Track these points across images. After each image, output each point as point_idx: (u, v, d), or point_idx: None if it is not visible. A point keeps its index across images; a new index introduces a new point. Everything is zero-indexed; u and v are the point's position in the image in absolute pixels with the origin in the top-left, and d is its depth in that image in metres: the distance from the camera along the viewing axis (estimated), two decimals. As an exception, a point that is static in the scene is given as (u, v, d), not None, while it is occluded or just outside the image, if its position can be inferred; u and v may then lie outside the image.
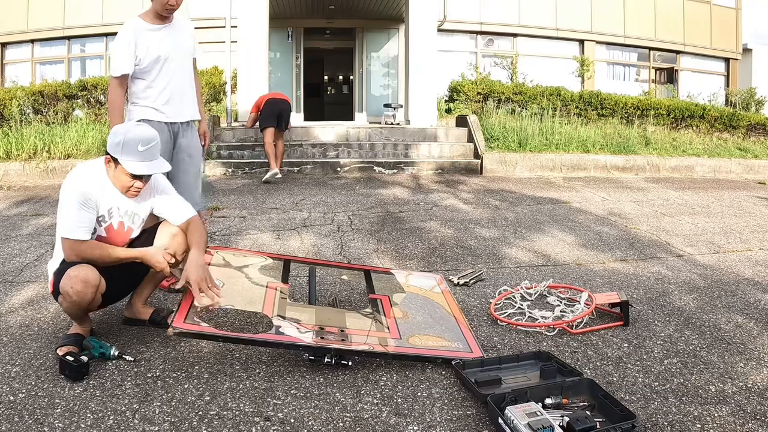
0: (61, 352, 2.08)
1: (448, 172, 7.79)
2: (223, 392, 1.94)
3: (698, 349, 2.38)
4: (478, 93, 10.16)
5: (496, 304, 2.81)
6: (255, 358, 2.19)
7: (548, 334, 2.49)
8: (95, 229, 2.20)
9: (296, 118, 9.68)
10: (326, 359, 2.08)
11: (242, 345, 2.25)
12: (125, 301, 2.50)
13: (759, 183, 8.15)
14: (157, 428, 1.72)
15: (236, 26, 8.89)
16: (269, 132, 6.75)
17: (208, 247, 2.50)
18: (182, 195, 2.47)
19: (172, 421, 1.76)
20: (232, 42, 8.86)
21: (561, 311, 2.69)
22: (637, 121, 9.81)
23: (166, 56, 2.84)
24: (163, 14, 2.82)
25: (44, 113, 8.51)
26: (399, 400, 1.92)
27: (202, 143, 3.25)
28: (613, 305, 2.67)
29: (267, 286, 2.47)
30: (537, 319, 2.62)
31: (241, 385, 1.99)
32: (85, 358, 2.03)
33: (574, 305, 2.76)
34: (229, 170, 7.41)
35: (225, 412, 1.82)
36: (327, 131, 8.47)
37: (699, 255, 3.93)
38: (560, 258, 3.78)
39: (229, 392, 1.94)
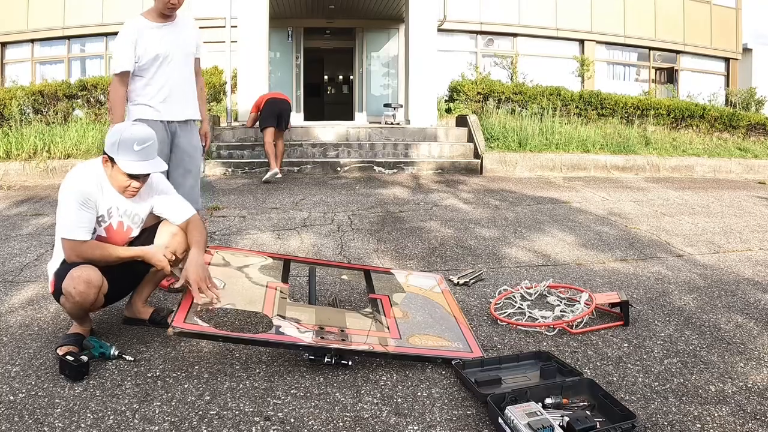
0: (61, 351, 2.08)
1: (448, 171, 7.79)
2: (223, 392, 1.94)
3: (698, 349, 2.38)
4: (478, 93, 10.16)
5: (496, 304, 2.81)
6: (255, 358, 2.19)
7: (548, 334, 2.49)
8: (95, 229, 2.20)
9: (296, 118, 9.68)
10: (326, 359, 2.08)
11: (242, 345, 2.25)
12: (125, 301, 2.50)
13: (759, 183, 8.15)
14: (157, 428, 1.72)
15: (236, 26, 8.89)
16: (269, 132, 6.75)
17: (208, 246, 2.50)
18: (181, 194, 2.47)
19: (172, 420, 1.76)
20: (232, 42, 8.86)
21: (561, 311, 2.69)
22: (637, 121, 9.81)
23: (165, 54, 2.84)
24: (165, 13, 2.82)
25: (44, 113, 8.51)
26: (399, 399, 1.92)
27: (203, 144, 3.24)
28: (613, 305, 2.67)
29: (267, 286, 2.47)
30: (537, 319, 2.62)
31: (241, 385, 1.99)
32: (85, 358, 2.03)
33: (574, 305, 2.76)
34: (229, 170, 7.41)
35: (225, 412, 1.82)
36: (327, 131, 8.47)
37: (699, 255, 3.93)
38: (560, 258, 3.78)
39: (229, 392, 1.94)
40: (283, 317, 2.24)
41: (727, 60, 15.35)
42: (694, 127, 10.20)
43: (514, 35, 13.40)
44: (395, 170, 7.69)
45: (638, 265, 3.65)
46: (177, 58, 2.89)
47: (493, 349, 2.34)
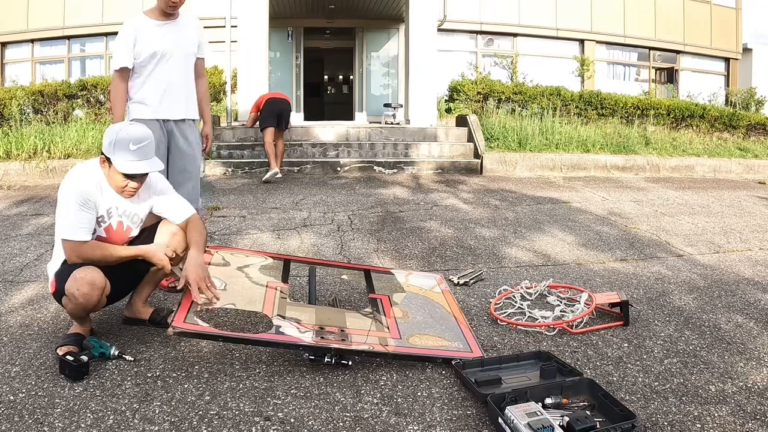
0: (61, 351, 2.08)
1: (448, 171, 7.79)
2: (223, 392, 1.94)
3: (698, 349, 2.38)
4: (478, 93, 10.16)
5: (496, 304, 2.81)
6: (255, 358, 2.19)
7: (548, 333, 2.49)
8: (95, 229, 2.20)
9: (296, 118, 9.68)
10: (326, 359, 2.08)
11: (242, 345, 2.25)
12: (125, 301, 2.50)
13: (759, 183, 8.15)
14: (157, 428, 1.72)
15: (236, 26, 8.89)
16: (269, 132, 6.75)
17: (207, 246, 2.49)
18: (180, 194, 2.47)
19: (172, 420, 1.76)
20: (232, 42, 8.86)
21: (561, 311, 2.69)
22: (637, 120, 9.81)
23: (163, 52, 2.83)
24: (167, 11, 2.82)
25: (44, 113, 8.50)
26: (399, 399, 1.92)
27: (204, 145, 3.24)
28: (613, 305, 2.67)
29: (267, 286, 2.47)
30: (537, 319, 2.62)
31: (241, 385, 1.99)
32: (85, 358, 2.03)
33: (574, 305, 2.76)
34: (229, 170, 7.41)
35: (225, 412, 1.82)
36: (327, 131, 8.47)
37: (699, 255, 3.93)
38: (560, 258, 3.78)
39: (229, 392, 1.94)
40: (283, 317, 2.24)
41: (727, 60, 15.35)
42: (694, 127, 10.20)
43: (514, 35, 13.40)
44: (395, 170, 7.69)
45: (638, 265, 3.65)
46: (176, 56, 2.88)
47: (493, 349, 2.34)
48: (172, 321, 1.98)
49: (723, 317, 2.75)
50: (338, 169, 7.59)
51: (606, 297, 2.68)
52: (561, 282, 3.21)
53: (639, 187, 7.11)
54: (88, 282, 2.03)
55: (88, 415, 1.78)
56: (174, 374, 2.05)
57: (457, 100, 10.39)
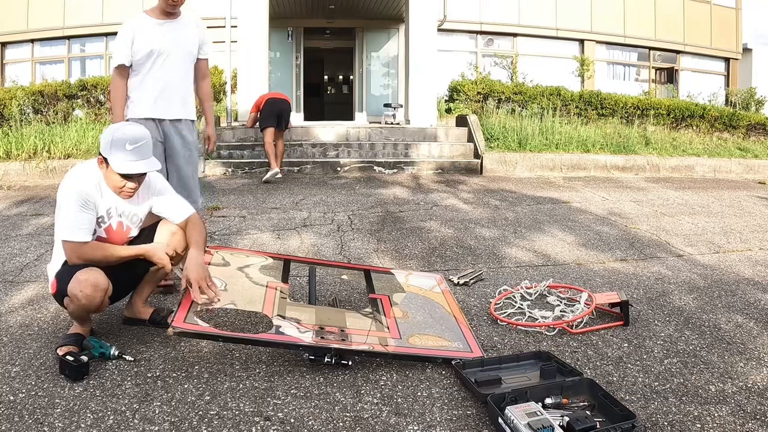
0: (61, 351, 2.08)
1: (448, 171, 7.79)
2: (223, 392, 1.94)
3: (698, 349, 2.38)
4: (478, 93, 10.16)
5: (496, 304, 2.81)
6: (255, 358, 2.19)
7: (548, 334, 2.49)
8: (95, 230, 2.20)
9: (296, 118, 9.68)
10: (326, 359, 2.08)
11: (242, 345, 2.25)
12: (125, 301, 2.50)
13: (759, 183, 8.15)
14: (157, 428, 1.72)
15: (236, 26, 8.89)
16: (269, 132, 6.75)
17: (207, 246, 2.49)
18: (178, 193, 2.47)
19: (172, 420, 1.76)
20: (232, 42, 8.86)
21: (561, 311, 2.69)
22: (637, 120, 9.81)
23: (160, 51, 2.82)
24: (167, 10, 2.82)
25: (44, 113, 8.50)
26: (399, 399, 1.92)
27: (207, 146, 3.23)
28: (613, 305, 2.67)
29: (267, 286, 2.47)
30: (537, 319, 2.62)
31: (241, 385, 1.99)
32: (85, 358, 2.03)
33: (574, 305, 2.76)
34: (229, 170, 7.41)
35: (225, 412, 1.82)
36: (327, 131, 8.47)
37: (699, 255, 3.93)
38: (560, 258, 3.78)
39: (229, 392, 1.94)
40: (283, 317, 2.24)
41: (727, 60, 15.35)
42: (694, 127, 10.20)
43: (514, 35, 13.40)
44: (395, 170, 7.69)
45: (638, 265, 3.65)
46: (175, 55, 2.87)
47: (493, 349, 2.34)
48: (172, 321, 1.98)
49: (723, 317, 2.75)
50: (338, 169, 7.59)
51: (606, 297, 2.68)
52: (561, 282, 3.21)
53: (639, 187, 7.11)
54: (91, 284, 2.03)
55: (88, 415, 1.78)
56: (174, 374, 2.05)
57: (457, 100, 10.39)
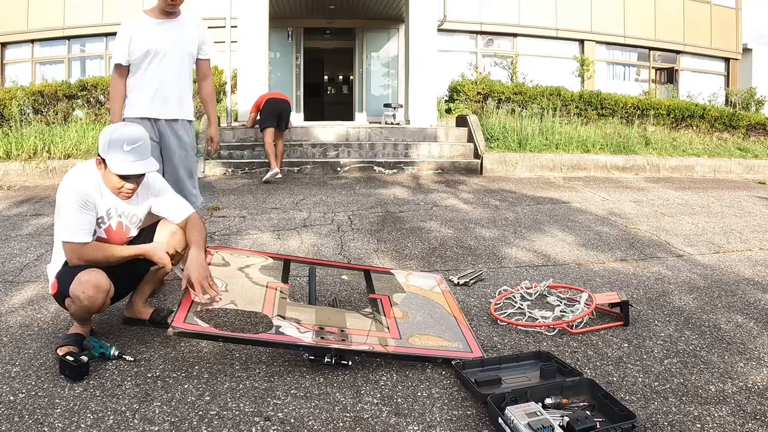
0: (61, 352, 2.08)
1: (448, 172, 7.79)
2: (223, 392, 1.94)
3: (698, 349, 2.38)
4: (478, 93, 10.16)
5: (496, 304, 2.81)
6: (255, 358, 2.19)
7: (548, 334, 2.49)
8: (95, 230, 2.20)
9: (296, 118, 9.68)
10: (326, 359, 2.08)
11: (242, 345, 2.25)
12: (125, 301, 2.50)
13: (759, 183, 8.15)
14: (157, 428, 1.72)
15: (236, 26, 8.89)
16: (269, 132, 6.75)
17: (207, 247, 2.49)
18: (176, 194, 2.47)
19: (172, 421, 1.76)
20: (232, 42, 8.86)
21: (561, 311, 2.69)
22: (637, 121, 9.82)
23: (157, 50, 2.81)
24: (166, 9, 2.82)
25: (44, 113, 8.50)
26: (399, 400, 1.92)
27: (210, 147, 3.23)
28: (613, 305, 2.67)
29: (267, 286, 2.47)
30: (537, 319, 2.62)
31: (241, 385, 1.99)
32: (85, 358, 2.03)
33: (574, 305, 2.76)
34: (229, 170, 7.41)
35: (225, 412, 1.82)
36: (327, 131, 8.47)
37: (699, 255, 3.93)
38: (560, 258, 3.78)
39: (229, 392, 1.94)
40: (283, 317, 2.24)
41: (727, 60, 15.36)
42: (694, 127, 10.20)
43: (514, 35, 13.40)
44: (395, 170, 7.69)
45: (638, 265, 3.65)
46: (172, 55, 2.86)
47: (493, 349, 2.34)
48: (172, 321, 1.98)
49: (723, 317, 2.75)
50: (338, 169, 7.59)
51: (606, 297, 2.68)
52: (561, 282, 3.21)
53: (639, 187, 7.11)
54: (93, 285, 2.03)
55: (88, 415, 1.78)
56: (174, 374, 2.05)
57: (457, 100, 10.39)
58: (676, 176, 8.37)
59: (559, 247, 4.05)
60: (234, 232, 4.32)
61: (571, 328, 2.52)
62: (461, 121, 8.89)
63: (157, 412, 1.81)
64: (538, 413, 1.66)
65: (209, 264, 2.38)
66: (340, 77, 16.55)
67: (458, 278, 3.20)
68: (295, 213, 5.02)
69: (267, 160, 6.92)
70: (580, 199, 6.01)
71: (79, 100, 8.81)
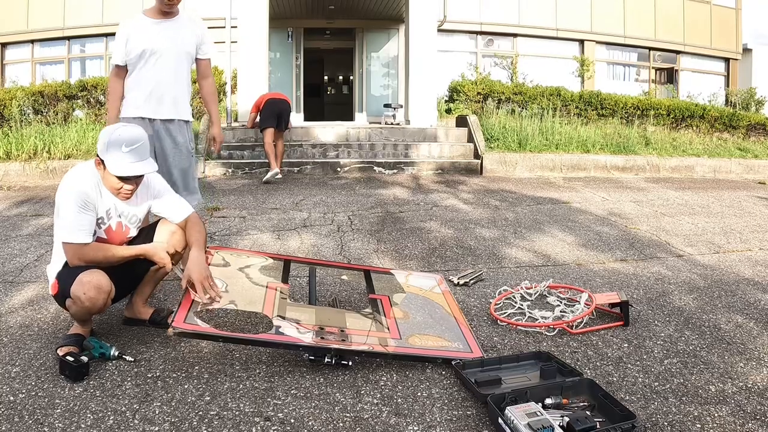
0: (61, 352, 2.07)
1: (448, 172, 7.79)
2: (223, 392, 1.94)
3: (698, 349, 2.38)
4: (478, 93, 10.16)
5: (496, 304, 2.81)
6: (255, 358, 2.19)
7: (548, 334, 2.49)
8: (95, 231, 2.20)
9: (296, 119, 9.68)
10: (326, 359, 2.08)
11: (242, 345, 2.25)
12: (125, 301, 2.50)
13: (759, 183, 8.15)
14: (157, 428, 1.72)
15: (236, 26, 8.90)
16: (269, 132, 6.76)
17: (208, 247, 2.49)
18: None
19: (172, 421, 1.76)
20: (232, 42, 8.86)
21: (561, 311, 2.69)
22: (637, 121, 9.82)
23: (153, 50, 2.81)
24: (163, 9, 2.82)
25: (44, 113, 8.51)
26: (399, 400, 1.92)
27: (212, 147, 3.22)
28: (613, 305, 2.67)
29: (267, 287, 2.47)
30: (537, 319, 2.62)
31: (241, 386, 1.99)
32: (85, 359, 2.03)
33: (574, 305, 2.76)
34: (229, 170, 7.42)
35: (225, 413, 1.82)
36: (327, 131, 8.48)
37: (699, 255, 3.93)
38: (560, 258, 3.78)
39: (229, 392, 1.94)
40: (283, 317, 2.24)
41: (727, 60, 15.36)
42: (694, 128, 10.21)
43: (514, 35, 13.41)
44: (395, 170, 7.69)
45: (638, 265, 3.65)
46: (168, 55, 2.85)
47: (493, 350, 2.34)
48: (172, 321, 1.98)
49: (723, 317, 2.75)
50: (338, 169, 7.59)
51: (606, 297, 2.68)
52: (561, 282, 3.21)
53: (639, 187, 7.11)
54: (94, 286, 2.03)
55: (88, 415, 1.78)
56: (174, 375, 2.05)
57: (457, 100, 10.39)
58: (676, 176, 8.37)
59: (559, 247, 4.05)
60: (234, 232, 4.32)
61: (571, 329, 2.52)
62: (461, 122, 8.89)
63: (157, 412, 1.81)
64: (538, 413, 1.66)
65: (209, 264, 2.39)
66: (340, 77, 16.55)
67: (458, 278, 3.21)
68: (295, 213, 5.02)
69: (267, 161, 6.92)
70: (580, 200, 6.01)
71: (79, 101, 8.81)
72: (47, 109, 8.55)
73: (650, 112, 9.95)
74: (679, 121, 10.21)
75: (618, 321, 2.62)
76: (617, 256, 3.87)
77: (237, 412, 1.82)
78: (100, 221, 2.20)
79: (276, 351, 2.21)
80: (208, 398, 1.90)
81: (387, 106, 10.16)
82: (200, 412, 1.81)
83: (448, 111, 10.24)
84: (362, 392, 1.96)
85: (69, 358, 2.01)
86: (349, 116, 12.94)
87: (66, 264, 2.15)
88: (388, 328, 2.33)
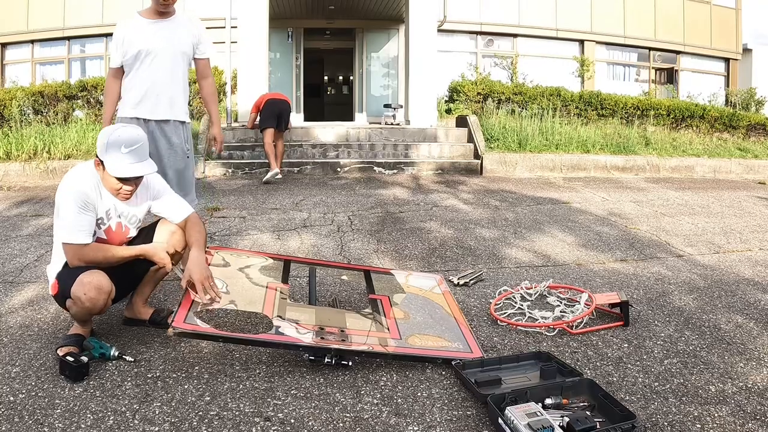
0: (61, 352, 2.07)
1: (448, 172, 7.79)
2: (223, 392, 1.94)
3: (698, 349, 2.38)
4: (478, 93, 10.16)
5: (496, 305, 2.81)
6: (255, 358, 2.19)
7: (548, 334, 2.49)
8: (95, 231, 2.20)
9: (296, 119, 9.69)
10: (326, 359, 2.08)
11: (242, 345, 2.25)
12: (125, 302, 2.50)
13: (759, 183, 8.15)
14: (157, 428, 1.72)
15: (236, 26, 8.90)
16: (269, 132, 6.76)
17: (207, 247, 2.49)
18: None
19: (172, 421, 1.76)
20: (232, 42, 8.86)
21: (561, 311, 2.69)
22: (637, 121, 9.82)
23: (149, 51, 2.80)
24: (159, 9, 2.82)
25: (44, 114, 8.51)
26: (399, 400, 1.92)
27: (213, 147, 3.22)
28: (613, 305, 2.67)
29: (267, 287, 2.47)
30: (537, 320, 2.62)
31: (241, 386, 1.99)
32: (85, 359, 2.03)
33: (574, 305, 2.76)
34: (229, 171, 7.42)
35: (225, 413, 1.82)
36: (327, 131, 8.48)
37: (699, 255, 3.93)
38: (560, 258, 3.78)
39: (229, 392, 1.94)
40: (283, 318, 2.24)
41: (727, 60, 15.36)
42: (694, 128, 10.21)
43: (514, 36, 13.41)
44: (395, 171, 7.69)
45: (638, 265, 3.65)
46: (164, 55, 2.85)
47: (493, 350, 2.34)
48: (172, 321, 1.98)
49: (723, 317, 2.75)
50: (338, 169, 7.59)
51: (606, 297, 2.68)
52: (561, 282, 3.21)
53: (639, 187, 7.12)
54: (95, 287, 2.03)
55: (88, 415, 1.78)
56: (174, 375, 2.05)
57: (457, 100, 10.39)
58: (676, 176, 8.37)
59: (559, 247, 4.05)
60: (234, 232, 4.32)
61: (571, 329, 2.52)
62: (461, 122, 8.89)
63: (157, 412, 1.81)
64: (538, 413, 1.66)
65: (209, 264, 2.39)
66: (340, 78, 16.55)
67: (458, 278, 3.21)
68: (295, 213, 5.02)
69: (267, 161, 6.92)
70: (580, 200, 6.01)
71: (79, 101, 8.82)
72: (47, 110, 8.55)
73: (650, 112, 9.95)
74: (679, 121, 10.21)
75: (618, 321, 2.62)
76: (617, 256, 3.87)
77: (237, 413, 1.82)
78: (99, 222, 2.20)
79: (276, 351, 2.21)
80: (208, 398, 1.90)
81: (387, 106, 10.17)
82: (200, 413, 1.81)
83: (448, 111, 10.24)
84: (362, 392, 1.96)
85: (69, 358, 2.01)
86: (349, 116, 12.94)
87: (66, 264, 2.15)
88: (388, 329, 2.33)
